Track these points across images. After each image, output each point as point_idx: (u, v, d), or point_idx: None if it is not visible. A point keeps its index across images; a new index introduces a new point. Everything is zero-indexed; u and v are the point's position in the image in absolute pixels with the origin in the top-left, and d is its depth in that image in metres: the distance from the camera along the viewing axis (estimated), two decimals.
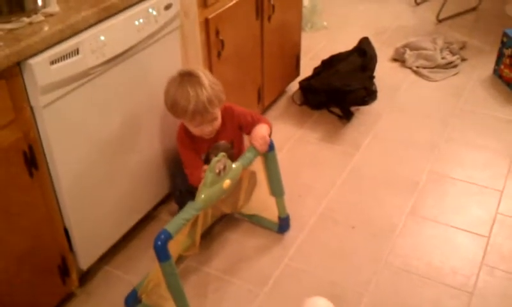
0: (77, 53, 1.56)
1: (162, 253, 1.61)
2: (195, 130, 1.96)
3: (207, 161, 1.93)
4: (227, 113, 2.03)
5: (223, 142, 2.05)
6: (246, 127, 2.06)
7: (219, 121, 1.97)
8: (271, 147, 1.99)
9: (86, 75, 1.63)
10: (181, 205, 2.03)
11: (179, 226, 1.67)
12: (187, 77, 1.88)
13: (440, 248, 2.15)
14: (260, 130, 1.98)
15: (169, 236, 1.62)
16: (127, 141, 1.93)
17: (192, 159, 2.01)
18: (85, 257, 1.88)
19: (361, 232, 2.22)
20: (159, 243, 1.60)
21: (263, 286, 1.99)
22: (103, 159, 1.84)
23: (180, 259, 2.05)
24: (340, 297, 1.94)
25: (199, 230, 1.93)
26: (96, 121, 1.76)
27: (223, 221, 2.27)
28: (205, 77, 1.88)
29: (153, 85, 1.98)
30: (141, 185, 2.08)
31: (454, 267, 2.06)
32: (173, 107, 1.90)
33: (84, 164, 1.76)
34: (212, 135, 2.00)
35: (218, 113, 1.95)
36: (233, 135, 2.08)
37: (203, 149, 2.03)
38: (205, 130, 1.95)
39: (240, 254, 2.13)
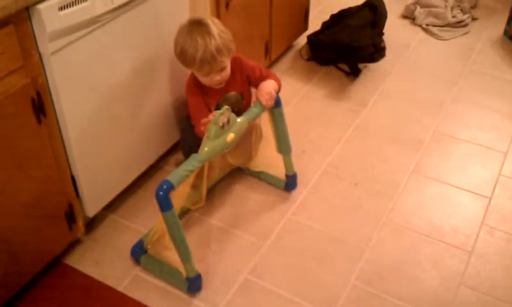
0: None
1: (164, 203, 1.63)
2: (204, 79, 1.95)
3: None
4: (236, 64, 2.02)
5: (233, 93, 2.05)
6: (254, 80, 2.05)
7: (228, 71, 1.96)
8: (278, 103, 1.98)
9: (95, 22, 1.62)
10: (187, 154, 2.05)
11: (182, 177, 1.69)
12: (196, 26, 1.86)
13: (442, 207, 2.16)
14: (267, 85, 1.97)
15: (171, 187, 1.63)
16: (135, 90, 1.93)
17: (199, 109, 2.00)
18: (92, 204, 1.90)
19: (364, 189, 2.24)
20: (161, 193, 1.62)
21: (265, 239, 2.02)
22: (111, 107, 1.83)
23: (184, 209, 2.07)
24: (341, 251, 1.97)
25: (205, 183, 1.94)
26: (105, 69, 1.75)
27: (230, 175, 2.28)
28: (215, 25, 1.87)
29: (161, 34, 1.96)
30: (149, 134, 2.08)
31: (454, 226, 2.08)
32: (182, 55, 1.89)
33: (92, 112, 1.76)
34: (221, 85, 1.99)
35: (227, 63, 1.94)
36: (242, 87, 2.07)
37: (214, 100, 2.03)
38: (213, 79, 1.94)
39: (244, 207, 2.15)
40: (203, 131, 1.82)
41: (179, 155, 2.31)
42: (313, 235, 2.04)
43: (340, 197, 2.20)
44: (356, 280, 1.88)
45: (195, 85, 2.01)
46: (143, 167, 2.13)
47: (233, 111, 1.82)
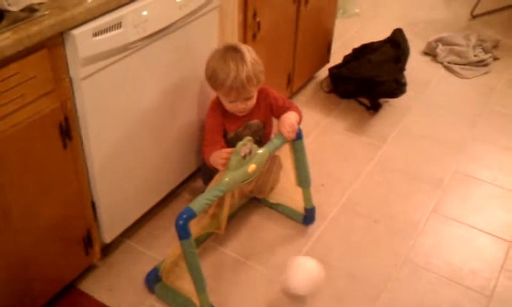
0: (120, 26, 1.55)
1: (183, 231, 1.61)
2: (229, 105, 1.95)
3: (238, 138, 1.91)
4: (261, 93, 2.02)
5: (256, 121, 2.05)
6: (277, 111, 2.04)
7: (253, 101, 1.96)
8: (299, 136, 1.97)
9: (126, 49, 1.62)
10: (207, 182, 2.04)
11: (202, 206, 1.68)
12: (230, 51, 1.87)
13: (461, 249, 2.13)
14: (289, 117, 1.96)
15: (192, 215, 1.62)
16: (160, 118, 1.93)
17: (214, 132, 2.00)
18: (109, 230, 1.89)
19: (383, 227, 2.21)
20: (181, 221, 1.60)
21: (281, 273, 1.97)
22: (136, 134, 1.83)
23: (200, 238, 2.05)
24: (359, 290, 1.94)
25: (225, 212, 1.92)
26: (132, 96, 1.75)
27: (247, 205, 2.26)
28: (249, 54, 1.88)
29: (189, 63, 1.96)
30: (169, 162, 2.08)
31: (474, 269, 2.04)
32: (212, 77, 1.90)
33: (117, 138, 1.76)
34: (244, 113, 1.99)
35: (254, 93, 1.94)
36: (265, 116, 2.07)
37: (234, 126, 2.03)
38: (238, 106, 1.94)
39: (261, 240, 2.13)
40: (222, 164, 1.81)
41: (196, 183, 2.30)
42: (331, 272, 2.00)
43: (358, 234, 2.17)
44: None
45: (218, 107, 2.01)
46: (161, 195, 2.12)
47: (254, 140, 1.81)
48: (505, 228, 2.23)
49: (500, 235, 2.20)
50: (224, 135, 2.05)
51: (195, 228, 1.82)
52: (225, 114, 2.00)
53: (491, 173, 2.52)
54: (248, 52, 1.88)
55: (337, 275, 1.99)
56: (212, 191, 1.72)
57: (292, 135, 1.94)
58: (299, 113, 2.03)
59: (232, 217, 2.17)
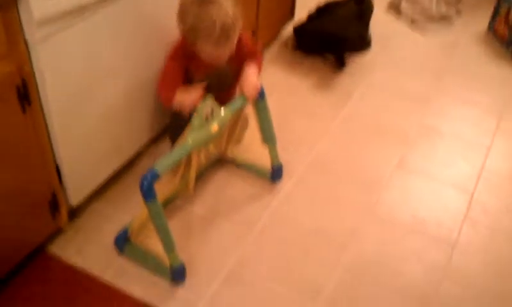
0: None
1: (148, 192, 1.61)
2: (211, 54, 1.84)
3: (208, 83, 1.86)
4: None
5: (226, 67, 1.99)
6: (244, 55, 1.99)
7: (234, 47, 1.88)
8: (262, 95, 1.96)
9: (84, 10, 1.57)
10: (174, 142, 2.03)
11: (166, 166, 1.67)
12: (206, 2, 1.76)
13: (425, 201, 2.18)
14: (251, 78, 1.93)
15: (156, 176, 1.62)
16: (122, 78, 1.89)
17: (176, 74, 1.92)
18: (75, 193, 1.87)
19: (348, 182, 2.25)
20: (145, 182, 1.60)
21: (249, 229, 2.01)
22: (97, 95, 1.80)
23: (168, 199, 2.05)
24: (325, 244, 1.98)
25: (193, 172, 1.92)
26: (92, 58, 1.71)
27: (215, 163, 2.27)
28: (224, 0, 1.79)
29: (151, 21, 1.92)
30: (134, 122, 2.06)
31: (438, 219, 2.10)
32: (195, 28, 1.77)
33: (78, 100, 1.72)
34: (223, 60, 1.92)
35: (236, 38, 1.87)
36: (238, 61, 2.00)
37: (201, 73, 1.96)
38: (223, 54, 1.86)
39: (228, 196, 2.14)
40: (189, 106, 1.78)
41: (165, 143, 2.29)
42: (297, 227, 2.04)
43: (325, 190, 2.20)
44: (341, 271, 1.88)
45: (182, 51, 1.90)
46: (127, 155, 2.11)
47: (225, 86, 1.79)
48: (468, 178, 2.29)
49: (462, 185, 2.26)
50: (190, 81, 1.97)
51: (164, 189, 1.82)
52: (190, 61, 1.92)
53: (453, 126, 2.57)
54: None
55: (304, 230, 2.03)
56: (175, 152, 1.72)
57: (255, 95, 1.93)
58: (260, 64, 2.00)
59: (199, 177, 2.18)
